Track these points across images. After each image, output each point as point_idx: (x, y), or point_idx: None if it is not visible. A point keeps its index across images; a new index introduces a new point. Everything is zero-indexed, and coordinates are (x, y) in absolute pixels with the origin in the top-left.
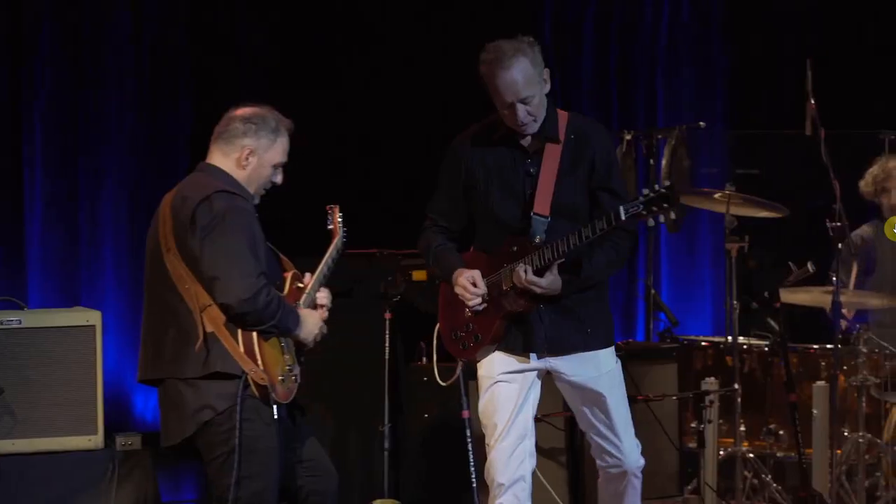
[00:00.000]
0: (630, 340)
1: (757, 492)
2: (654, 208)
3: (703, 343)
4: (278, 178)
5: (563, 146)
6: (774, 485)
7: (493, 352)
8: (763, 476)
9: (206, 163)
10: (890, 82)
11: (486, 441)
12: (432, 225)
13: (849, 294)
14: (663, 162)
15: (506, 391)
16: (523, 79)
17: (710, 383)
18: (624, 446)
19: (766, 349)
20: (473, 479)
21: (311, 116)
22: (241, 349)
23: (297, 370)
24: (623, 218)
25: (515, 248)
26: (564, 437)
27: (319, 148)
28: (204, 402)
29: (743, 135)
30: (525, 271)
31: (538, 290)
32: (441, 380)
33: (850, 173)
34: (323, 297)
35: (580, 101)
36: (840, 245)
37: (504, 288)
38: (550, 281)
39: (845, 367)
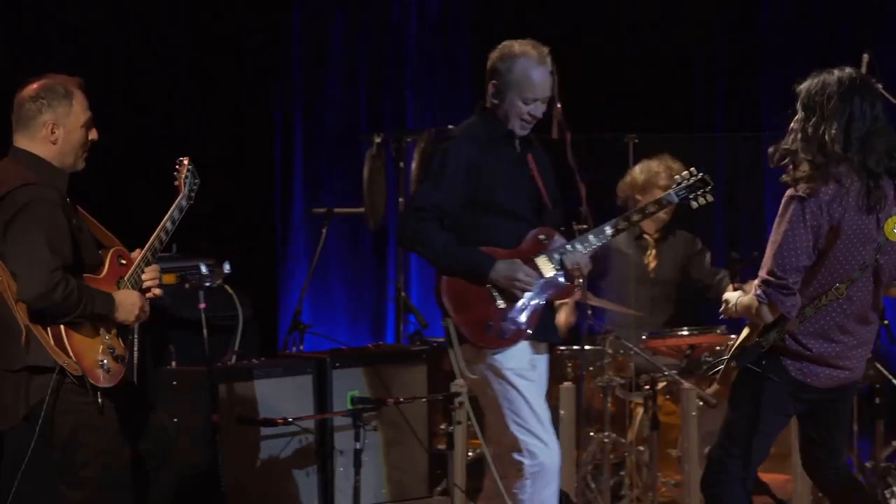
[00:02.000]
0: (380, 343)
1: None
2: (699, 192)
3: None
4: (94, 135)
5: (533, 150)
6: None
7: (527, 339)
8: None
9: (16, 147)
10: (634, 87)
11: (533, 429)
12: (433, 218)
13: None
14: (413, 165)
15: (538, 384)
16: (551, 81)
17: (459, 385)
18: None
19: None
20: (222, 483)
21: None
22: (52, 341)
23: (119, 351)
24: (676, 201)
25: (543, 237)
26: (315, 439)
27: None
28: (20, 396)
29: None
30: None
31: (585, 272)
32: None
33: (596, 176)
34: (149, 277)
35: (330, 102)
36: None
37: (547, 275)
38: None
39: (591, 368)
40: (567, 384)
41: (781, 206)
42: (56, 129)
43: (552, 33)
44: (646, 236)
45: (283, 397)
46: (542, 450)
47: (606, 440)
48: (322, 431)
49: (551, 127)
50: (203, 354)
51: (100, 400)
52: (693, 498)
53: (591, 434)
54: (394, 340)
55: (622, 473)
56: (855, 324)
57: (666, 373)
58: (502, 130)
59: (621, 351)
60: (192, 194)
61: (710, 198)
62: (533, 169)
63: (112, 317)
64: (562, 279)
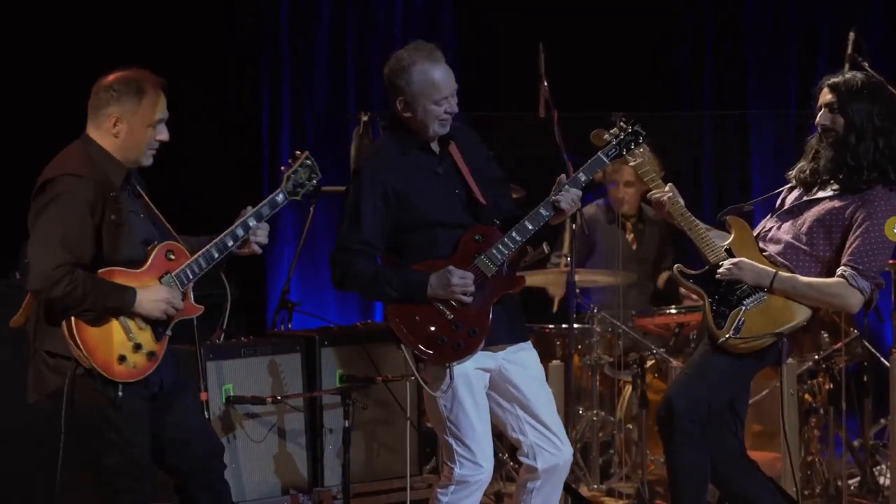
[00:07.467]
0: (369, 321)
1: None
2: (632, 146)
3: None
4: (163, 136)
5: (456, 144)
6: (511, 463)
7: (485, 344)
8: (500, 455)
9: (85, 133)
10: (617, 64)
11: (468, 442)
12: (358, 255)
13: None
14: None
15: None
16: (452, 72)
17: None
18: (562, 437)
19: None
20: None
21: None
22: (65, 332)
23: (148, 346)
24: (608, 162)
25: (479, 237)
26: (304, 417)
27: None
28: (42, 379)
29: (476, 116)
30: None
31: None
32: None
33: (583, 154)
34: (262, 233)
35: (318, 80)
36: (574, 225)
37: (490, 274)
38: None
39: (580, 347)
40: (556, 362)
41: (877, 200)
42: (119, 123)
43: (537, 12)
44: (624, 219)
45: (271, 376)
46: (471, 467)
47: (595, 418)
48: (311, 409)
49: (538, 105)
50: (191, 333)
51: (120, 393)
52: None
53: (581, 412)
54: (382, 319)
55: (611, 451)
56: None
57: (654, 351)
58: (416, 141)
59: (610, 329)
60: (300, 190)
61: (644, 148)
62: (459, 164)
63: (130, 311)
64: (505, 272)
